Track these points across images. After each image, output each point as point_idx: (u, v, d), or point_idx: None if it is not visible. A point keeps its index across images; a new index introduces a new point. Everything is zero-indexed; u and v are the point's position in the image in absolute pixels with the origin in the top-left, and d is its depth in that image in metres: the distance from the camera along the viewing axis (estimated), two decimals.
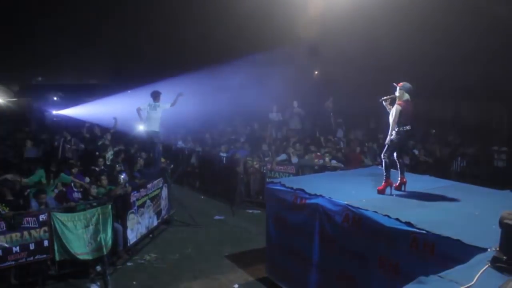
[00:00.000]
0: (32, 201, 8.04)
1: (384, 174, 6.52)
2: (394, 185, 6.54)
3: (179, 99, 10.83)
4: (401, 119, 6.24)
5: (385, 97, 6.67)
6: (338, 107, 16.23)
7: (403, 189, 6.57)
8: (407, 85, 6.35)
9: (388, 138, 6.41)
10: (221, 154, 13.80)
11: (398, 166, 6.57)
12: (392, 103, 6.54)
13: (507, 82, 14.27)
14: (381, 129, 14.63)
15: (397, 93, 6.38)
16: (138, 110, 10.91)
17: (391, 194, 6.44)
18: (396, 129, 6.29)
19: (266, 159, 12.60)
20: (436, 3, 12.98)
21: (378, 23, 14.25)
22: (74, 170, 9.52)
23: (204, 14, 18.13)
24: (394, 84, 6.43)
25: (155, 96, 11.01)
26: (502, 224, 3.53)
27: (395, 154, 6.52)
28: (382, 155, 6.60)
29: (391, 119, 6.35)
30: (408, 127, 6.32)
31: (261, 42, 17.06)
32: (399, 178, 6.59)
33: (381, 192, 6.49)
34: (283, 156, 12.72)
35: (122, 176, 9.64)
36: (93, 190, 8.79)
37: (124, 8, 18.75)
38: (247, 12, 15.42)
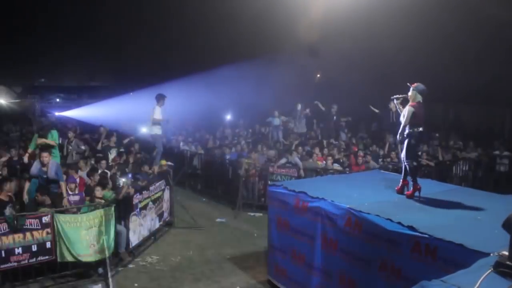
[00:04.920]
0: (34, 165, 8.17)
1: (411, 179, 6.44)
2: (406, 192, 6.46)
3: (164, 123, 11.57)
4: (414, 120, 6.20)
5: (397, 96, 6.62)
6: (341, 111, 16.22)
7: (405, 191, 6.56)
8: (421, 86, 6.28)
9: (398, 137, 6.39)
10: (224, 156, 13.81)
11: (403, 168, 6.54)
12: (404, 103, 6.48)
13: (510, 86, 14.28)
14: (384, 132, 14.68)
15: (409, 93, 6.34)
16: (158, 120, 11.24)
17: (419, 197, 6.34)
18: (408, 130, 6.25)
19: (272, 164, 12.56)
20: (440, 7, 13.00)
21: (381, 27, 14.27)
22: (71, 172, 9.50)
23: (207, 17, 18.18)
24: (408, 84, 6.36)
25: (159, 99, 11.11)
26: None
27: (401, 155, 6.49)
28: (404, 161, 6.50)
29: (402, 119, 6.32)
30: (421, 129, 6.28)
31: (264, 45, 17.11)
32: (401, 181, 6.57)
33: (409, 196, 6.39)
34: (283, 160, 12.73)
35: (123, 180, 9.63)
36: (98, 192, 8.77)
37: (128, 10, 18.80)
38: (249, 16, 15.47)
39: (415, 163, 6.51)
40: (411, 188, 6.44)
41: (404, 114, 6.29)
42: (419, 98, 6.27)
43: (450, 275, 3.57)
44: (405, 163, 6.48)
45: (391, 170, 10.86)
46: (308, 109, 16.51)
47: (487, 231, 4.72)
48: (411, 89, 6.33)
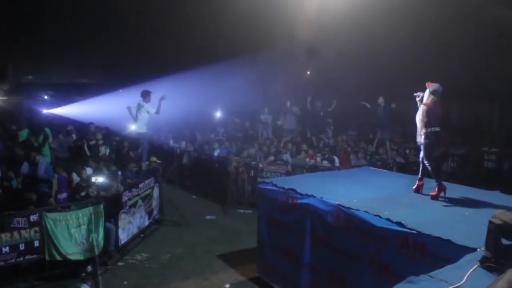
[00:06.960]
0: (24, 165, 8.10)
1: (436, 180, 6.29)
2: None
3: (162, 103, 10.88)
4: (429, 120, 6.11)
5: (418, 93, 6.51)
6: (331, 107, 16.23)
7: (420, 191, 6.49)
8: (435, 86, 6.17)
9: (418, 139, 6.32)
10: (213, 153, 13.78)
11: (420, 167, 6.47)
12: (422, 101, 6.43)
13: (497, 82, 14.38)
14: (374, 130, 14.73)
15: (426, 92, 6.25)
16: (129, 108, 10.92)
17: (444, 199, 6.18)
18: (424, 131, 6.15)
19: (254, 163, 12.53)
20: (430, 5, 13.06)
21: (373, 24, 14.29)
22: (58, 170, 9.41)
23: (198, 14, 18.10)
24: (426, 84, 6.26)
25: (145, 95, 10.93)
26: (489, 222, 3.57)
27: (420, 156, 6.41)
28: (424, 162, 6.38)
29: (417, 119, 6.23)
30: (437, 129, 6.17)
31: (255, 43, 17.08)
32: (417, 181, 6.50)
33: (435, 198, 6.20)
34: (271, 158, 12.74)
35: (101, 179, 9.50)
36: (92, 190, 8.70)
37: (115, 7, 18.66)
38: (242, 13, 15.43)
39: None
40: (436, 189, 6.26)
41: (418, 114, 6.20)
42: (432, 97, 6.15)
43: (438, 270, 3.61)
44: (426, 164, 6.35)
45: (380, 166, 10.93)
46: (296, 107, 16.50)
47: (475, 226, 4.77)
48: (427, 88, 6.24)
